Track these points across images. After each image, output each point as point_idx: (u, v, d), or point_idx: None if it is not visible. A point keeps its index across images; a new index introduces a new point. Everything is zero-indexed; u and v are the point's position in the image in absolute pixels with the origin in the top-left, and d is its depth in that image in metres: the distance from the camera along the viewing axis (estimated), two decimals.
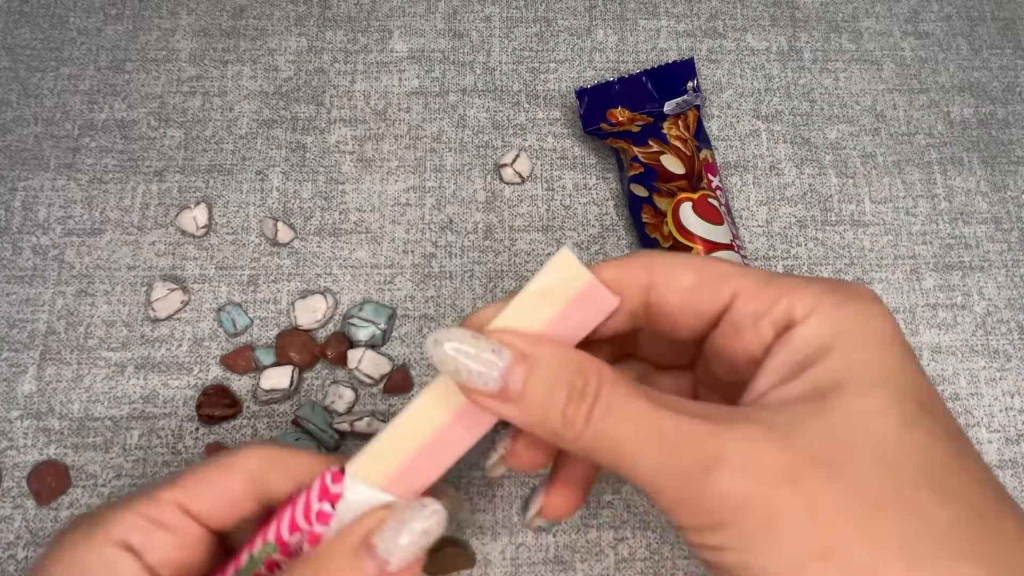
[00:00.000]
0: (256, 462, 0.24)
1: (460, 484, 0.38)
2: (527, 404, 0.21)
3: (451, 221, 0.43)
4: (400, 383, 0.39)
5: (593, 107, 0.43)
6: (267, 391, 0.37)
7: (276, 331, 0.40)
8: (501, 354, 0.21)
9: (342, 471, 0.24)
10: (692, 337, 0.23)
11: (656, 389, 0.21)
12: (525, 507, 0.35)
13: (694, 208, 0.39)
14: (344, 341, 0.39)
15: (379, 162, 0.44)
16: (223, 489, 0.24)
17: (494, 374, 0.21)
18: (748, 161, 0.45)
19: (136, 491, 0.25)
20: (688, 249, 0.38)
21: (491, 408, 0.22)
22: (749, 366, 0.22)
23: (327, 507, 0.23)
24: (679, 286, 0.22)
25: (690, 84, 0.43)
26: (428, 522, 0.22)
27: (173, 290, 0.40)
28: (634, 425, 0.20)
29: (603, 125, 0.42)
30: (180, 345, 0.40)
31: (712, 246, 0.38)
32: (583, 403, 0.21)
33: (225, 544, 0.25)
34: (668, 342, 0.25)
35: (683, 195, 0.39)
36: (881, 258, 0.43)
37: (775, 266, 0.43)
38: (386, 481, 0.24)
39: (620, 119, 0.42)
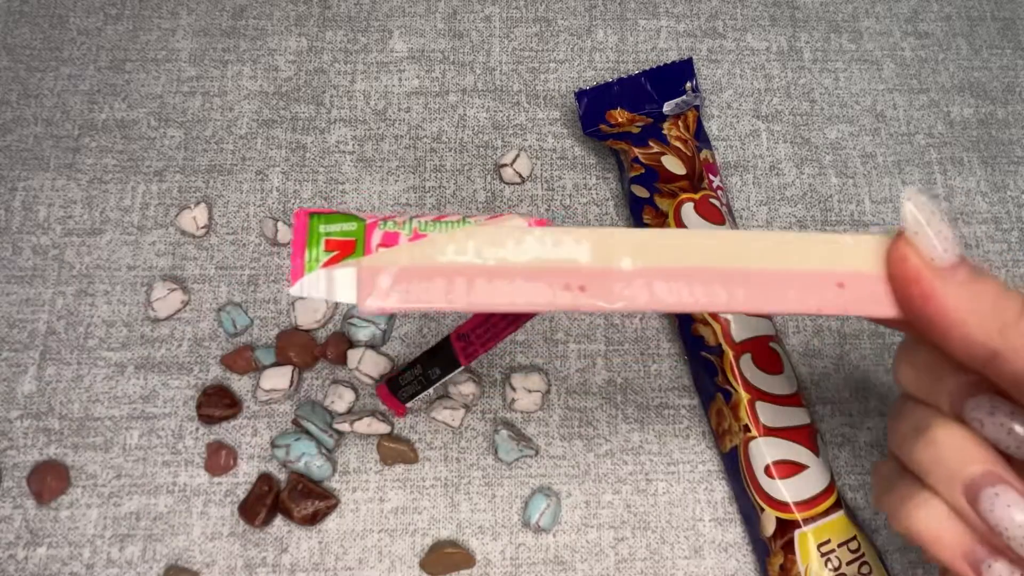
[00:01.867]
0: None
1: (460, 484, 0.38)
2: (973, 289, 0.21)
3: None
4: None
5: (592, 109, 0.43)
6: (267, 391, 0.38)
7: (276, 331, 0.40)
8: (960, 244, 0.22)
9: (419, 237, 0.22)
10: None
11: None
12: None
13: (696, 209, 0.39)
14: (344, 341, 0.39)
15: (379, 162, 0.44)
16: None
17: (957, 250, 0.22)
18: (748, 161, 0.45)
19: None
20: None
21: (920, 277, 0.22)
22: None
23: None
24: None
25: (688, 84, 0.43)
26: None
27: (173, 290, 0.40)
28: None
29: (602, 127, 0.42)
30: (180, 345, 0.40)
31: None
32: None
33: None
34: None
35: (685, 196, 0.39)
36: None
37: None
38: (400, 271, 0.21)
39: (619, 120, 0.42)
